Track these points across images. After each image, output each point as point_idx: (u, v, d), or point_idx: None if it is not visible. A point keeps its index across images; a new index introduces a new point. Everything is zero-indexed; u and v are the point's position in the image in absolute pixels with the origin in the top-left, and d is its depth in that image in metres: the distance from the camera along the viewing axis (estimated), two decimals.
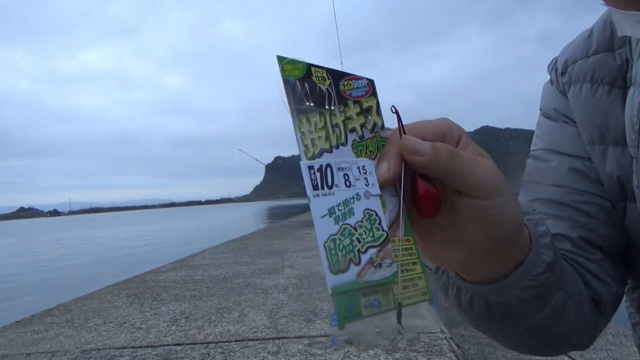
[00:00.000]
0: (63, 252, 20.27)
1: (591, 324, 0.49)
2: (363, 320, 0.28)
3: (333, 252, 0.27)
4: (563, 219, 0.53)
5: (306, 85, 0.30)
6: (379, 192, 0.31)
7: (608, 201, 0.53)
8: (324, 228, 0.27)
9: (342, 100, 0.32)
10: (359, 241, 0.29)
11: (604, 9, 0.55)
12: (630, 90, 0.49)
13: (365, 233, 0.29)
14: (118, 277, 3.89)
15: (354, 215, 0.29)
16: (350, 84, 0.33)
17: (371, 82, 0.34)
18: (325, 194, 0.28)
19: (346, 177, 0.30)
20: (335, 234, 0.28)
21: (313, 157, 0.29)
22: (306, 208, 0.30)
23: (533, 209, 0.56)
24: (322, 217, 0.28)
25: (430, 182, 0.32)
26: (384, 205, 0.31)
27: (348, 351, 1.63)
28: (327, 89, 0.31)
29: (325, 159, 0.29)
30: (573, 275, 0.48)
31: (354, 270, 0.28)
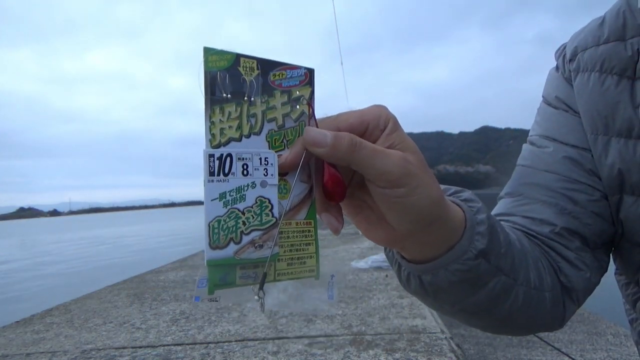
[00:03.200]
0: (64, 252, 20.26)
1: (553, 310, 0.50)
2: (238, 289, 0.33)
3: (216, 230, 0.31)
4: (550, 204, 0.54)
5: (227, 76, 0.32)
6: (276, 182, 0.33)
7: (599, 192, 0.53)
8: (212, 209, 0.31)
9: (268, 90, 0.33)
10: (244, 224, 0.32)
11: (602, 10, 0.55)
12: None
13: (253, 217, 0.32)
14: (117, 278, 3.89)
15: (244, 201, 0.32)
16: (282, 74, 0.34)
17: (309, 72, 0.35)
18: (220, 180, 0.31)
19: (245, 167, 0.32)
20: (222, 216, 0.31)
21: (218, 146, 0.32)
22: None
23: (520, 193, 0.57)
24: (212, 200, 0.31)
25: (337, 170, 0.34)
26: (288, 190, 0.34)
27: (348, 351, 1.64)
28: (252, 79, 0.33)
29: (229, 148, 0.32)
30: (533, 264, 0.49)
31: (232, 248, 0.31)
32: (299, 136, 0.35)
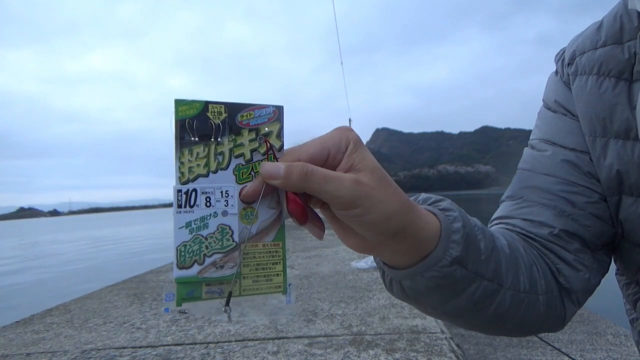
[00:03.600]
0: (64, 252, 20.26)
1: (549, 312, 0.51)
2: (206, 302, 0.37)
3: (182, 253, 0.36)
4: (549, 207, 0.54)
5: (196, 122, 0.36)
6: (236, 211, 0.37)
7: (597, 194, 0.54)
8: (180, 236, 0.36)
9: (236, 130, 0.38)
10: (207, 248, 0.36)
11: (602, 11, 0.56)
12: None
13: (215, 242, 0.37)
14: (117, 278, 3.89)
15: (207, 228, 0.37)
16: (250, 114, 0.38)
17: (278, 109, 0.39)
18: (187, 212, 0.36)
19: (207, 199, 0.37)
20: (187, 241, 0.36)
21: (186, 182, 0.36)
22: None
23: (520, 196, 0.58)
24: (179, 228, 0.36)
25: (298, 196, 0.37)
26: (256, 217, 0.38)
27: (348, 351, 1.64)
28: (219, 123, 0.37)
29: (196, 184, 0.36)
30: (525, 268, 0.49)
31: (196, 268, 0.36)
32: None
